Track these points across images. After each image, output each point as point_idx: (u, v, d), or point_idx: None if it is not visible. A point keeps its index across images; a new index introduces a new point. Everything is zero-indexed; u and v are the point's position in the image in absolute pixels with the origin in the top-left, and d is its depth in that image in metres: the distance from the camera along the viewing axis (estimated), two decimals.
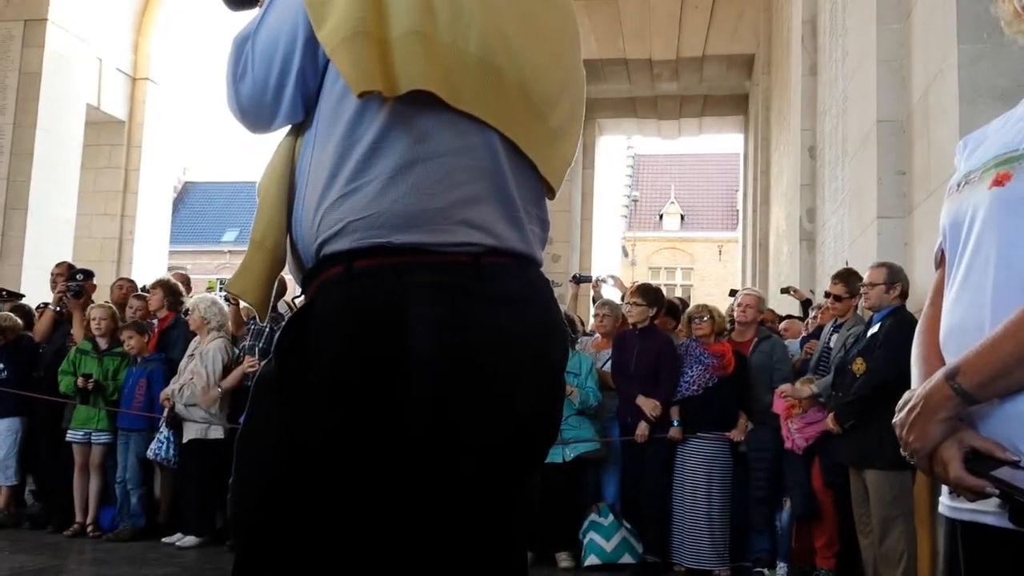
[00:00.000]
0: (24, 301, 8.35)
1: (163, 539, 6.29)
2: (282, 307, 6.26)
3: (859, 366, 4.63)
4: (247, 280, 1.52)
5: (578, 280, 8.46)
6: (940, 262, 1.50)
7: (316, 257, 1.42)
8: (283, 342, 1.44)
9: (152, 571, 5.52)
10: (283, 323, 1.51)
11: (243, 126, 1.55)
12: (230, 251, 30.55)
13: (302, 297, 1.49)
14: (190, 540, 6.20)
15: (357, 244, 1.35)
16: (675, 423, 5.70)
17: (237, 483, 1.46)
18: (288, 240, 1.50)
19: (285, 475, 1.37)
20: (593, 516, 5.85)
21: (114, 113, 13.82)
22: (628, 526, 5.83)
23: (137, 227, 14.22)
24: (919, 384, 1.36)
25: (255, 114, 1.51)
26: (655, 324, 6.11)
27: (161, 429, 6.37)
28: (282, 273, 1.56)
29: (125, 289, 8.00)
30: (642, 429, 5.73)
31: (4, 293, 8.50)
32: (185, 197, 34.93)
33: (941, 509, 1.41)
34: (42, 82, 11.91)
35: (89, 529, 6.56)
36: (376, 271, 1.35)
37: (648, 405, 5.73)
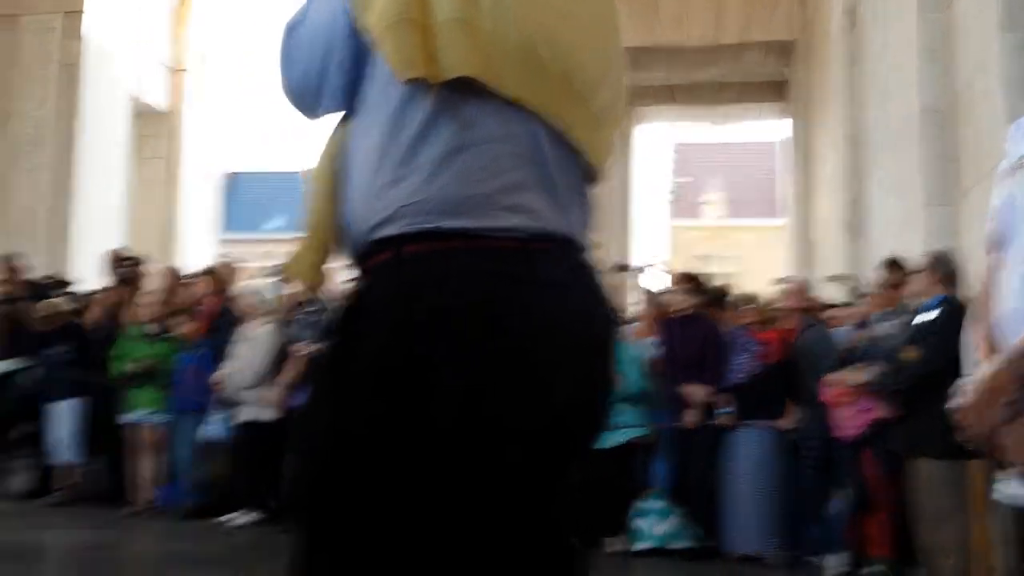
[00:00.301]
0: (74, 288, 8.55)
1: (218, 518, 6.44)
2: (327, 295, 6.35)
3: (909, 354, 4.60)
4: (300, 266, 1.55)
5: (619, 268, 8.47)
6: (992, 247, 1.50)
7: (366, 243, 1.43)
8: (333, 328, 1.46)
9: (207, 548, 5.66)
10: (331, 310, 1.55)
11: (298, 112, 1.59)
12: (276, 239, 30.83)
13: (353, 283, 1.51)
14: (244, 519, 6.35)
15: (406, 229, 1.37)
16: (723, 410, 5.71)
17: (295, 466, 1.50)
18: (339, 226, 1.52)
19: (334, 462, 1.39)
20: (643, 502, 5.87)
21: (156, 104, 13.85)
22: (678, 512, 5.84)
23: (183, 216, 14.30)
24: (977, 368, 1.36)
25: (302, 101, 1.55)
26: (700, 312, 6.12)
27: (214, 411, 6.54)
28: (329, 261, 1.58)
29: (174, 276, 8.16)
30: (690, 416, 5.75)
31: (54, 281, 8.71)
32: (230, 186, 35.24)
33: (996, 496, 1.41)
34: (82, 74, 11.90)
35: (147, 508, 6.74)
36: (425, 257, 1.36)
37: (695, 392, 5.74)
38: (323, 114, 1.56)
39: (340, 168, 1.51)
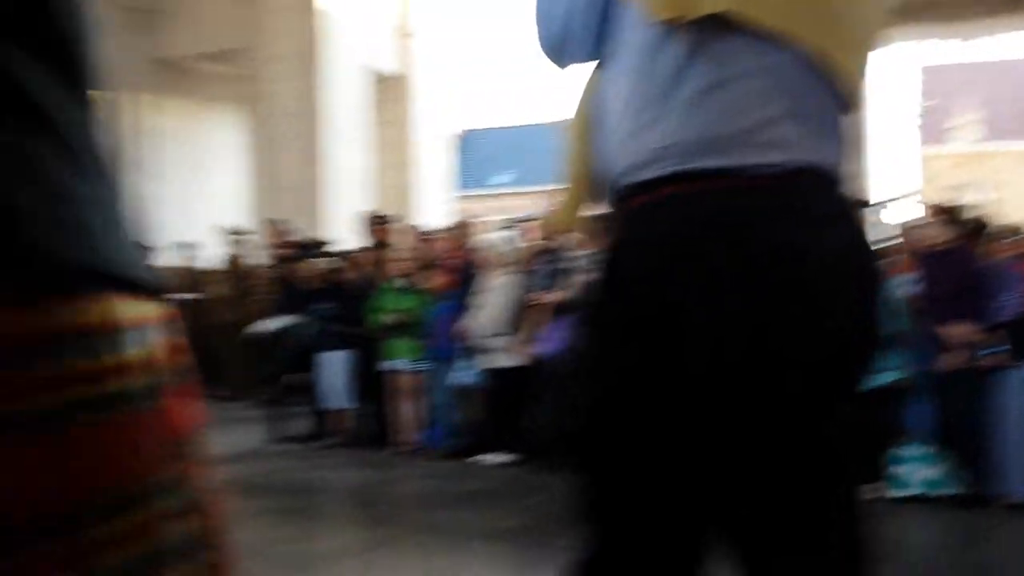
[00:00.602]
0: (331, 248, 9.23)
1: (476, 457, 6.76)
2: (567, 244, 6.45)
3: None
4: (563, 216, 1.61)
5: (866, 204, 8.02)
6: None
7: (622, 187, 1.44)
8: (591, 275, 1.51)
9: (466, 486, 6.00)
10: (574, 259, 1.58)
11: (551, 64, 1.61)
12: (507, 193, 31.72)
13: (609, 229, 1.52)
14: (500, 459, 6.62)
15: (662, 172, 1.36)
16: (991, 350, 5.32)
17: (554, 408, 1.59)
18: (594, 174, 1.54)
19: (589, 413, 1.43)
20: (905, 447, 5.59)
21: (390, 69, 14.34)
22: (942, 457, 5.53)
23: (421, 175, 14.88)
24: None
25: (553, 52, 1.57)
26: (959, 245, 5.70)
27: (464, 358, 6.92)
28: (585, 210, 1.62)
29: (417, 233, 8.63)
30: (953, 357, 5.41)
31: (314, 242, 9.45)
32: (464, 144, 36.51)
33: None
34: (319, 44, 12.55)
35: (410, 449, 7.18)
36: (682, 198, 1.36)
37: (957, 331, 5.38)
38: (573, 62, 1.58)
39: (594, 116, 1.53)
